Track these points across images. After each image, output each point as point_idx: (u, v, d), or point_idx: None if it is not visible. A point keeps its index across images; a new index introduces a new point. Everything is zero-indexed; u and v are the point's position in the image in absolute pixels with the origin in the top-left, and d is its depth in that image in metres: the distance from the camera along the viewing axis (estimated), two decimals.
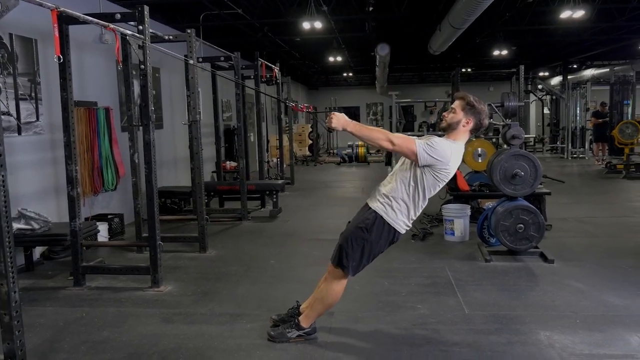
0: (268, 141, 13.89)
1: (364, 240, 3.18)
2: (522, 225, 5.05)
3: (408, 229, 3.27)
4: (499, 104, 5.47)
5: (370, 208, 3.24)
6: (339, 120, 3.11)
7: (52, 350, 3.39)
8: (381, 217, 3.17)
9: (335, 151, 19.01)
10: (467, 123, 3.16)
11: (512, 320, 3.72)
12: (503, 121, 5.43)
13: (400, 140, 3.06)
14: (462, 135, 3.20)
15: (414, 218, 3.25)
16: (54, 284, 4.79)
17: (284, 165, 11.59)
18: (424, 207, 3.24)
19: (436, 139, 3.11)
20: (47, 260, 5.52)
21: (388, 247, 3.29)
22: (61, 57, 3.72)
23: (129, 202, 6.55)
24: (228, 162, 10.55)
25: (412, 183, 3.14)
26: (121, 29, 4.12)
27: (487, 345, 3.33)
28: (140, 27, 4.29)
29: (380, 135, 3.06)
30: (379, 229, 3.17)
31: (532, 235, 5.07)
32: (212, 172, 10.10)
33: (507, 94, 5.54)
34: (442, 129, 3.25)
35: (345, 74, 21.77)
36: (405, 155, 3.15)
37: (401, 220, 3.19)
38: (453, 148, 3.12)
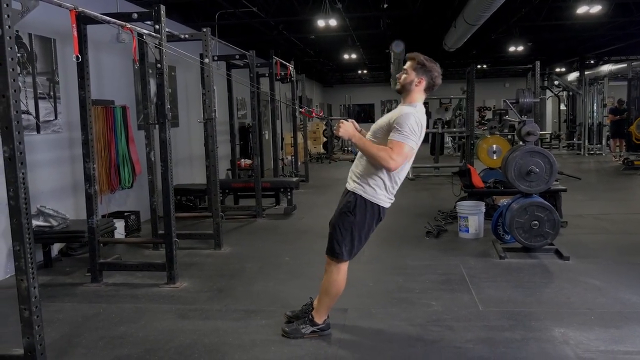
0: (283, 139, 13.94)
1: (351, 224, 3.23)
2: (537, 222, 5.02)
3: (392, 201, 3.30)
4: (514, 101, 5.44)
5: (350, 191, 3.28)
6: (347, 130, 3.18)
7: (70, 345, 3.46)
8: (361, 196, 3.21)
9: (350, 148, 19.01)
10: (420, 82, 3.21)
11: (527, 317, 3.71)
12: (518, 118, 5.40)
13: (400, 155, 3.05)
14: (418, 96, 3.24)
15: (395, 189, 3.29)
16: (72, 280, 4.87)
17: (299, 163, 11.63)
18: (402, 178, 3.28)
19: (400, 119, 3.09)
20: (65, 256, 5.62)
21: (377, 223, 3.31)
22: (79, 56, 3.78)
23: (145, 200, 6.62)
24: (243, 160, 10.61)
25: None
26: (138, 29, 4.17)
27: (501, 342, 3.33)
28: (157, 27, 4.34)
29: (383, 155, 3.05)
30: (362, 208, 3.21)
31: (547, 232, 5.05)
32: (227, 169, 10.16)
33: (522, 90, 5.50)
34: (397, 91, 3.30)
35: (359, 72, 21.75)
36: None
37: (382, 195, 3.23)
38: (416, 115, 3.14)
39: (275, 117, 9.44)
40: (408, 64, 3.27)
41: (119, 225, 6.19)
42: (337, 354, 3.25)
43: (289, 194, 7.87)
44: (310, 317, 3.47)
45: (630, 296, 4.06)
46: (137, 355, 3.27)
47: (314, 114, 3.53)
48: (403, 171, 3.26)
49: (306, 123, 13.16)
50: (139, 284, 4.68)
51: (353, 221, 3.24)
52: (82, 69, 4.41)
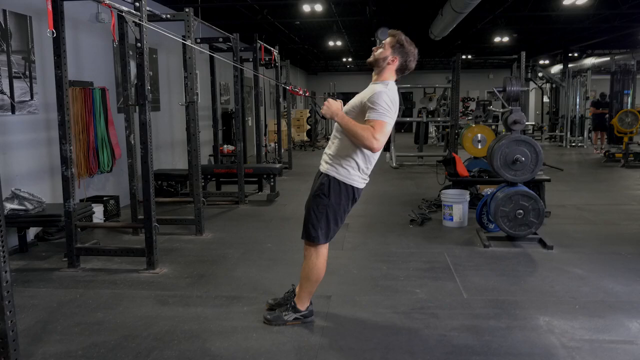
0: (266, 125, 13.80)
1: (325, 206, 3.17)
2: (521, 211, 5.00)
3: (366, 181, 3.25)
4: (501, 89, 5.39)
5: (322, 173, 3.22)
6: (330, 107, 3.10)
7: (45, 331, 3.34)
8: (334, 177, 3.16)
9: None
10: (393, 61, 3.14)
11: (511, 305, 3.68)
12: (505, 106, 5.36)
13: (382, 133, 2.97)
14: (389, 75, 3.17)
15: (369, 169, 3.24)
16: (47, 265, 4.73)
17: (282, 150, 11.51)
18: (376, 158, 3.21)
19: (374, 98, 3.02)
20: (42, 241, 5.47)
21: (352, 204, 3.26)
22: (54, 31, 3.63)
23: (124, 185, 6.48)
24: (225, 146, 10.46)
25: None
26: (117, 5, 4.02)
27: (486, 330, 3.29)
28: (137, 4, 4.20)
29: (366, 134, 2.96)
30: (335, 190, 3.16)
31: (531, 222, 5.03)
32: (210, 155, 10.03)
33: (509, 78, 5.46)
34: (369, 64, 3.22)
35: (344, 59, 21.61)
36: None
37: (355, 176, 3.17)
38: (390, 93, 3.08)
39: (258, 104, 9.29)
40: (388, 39, 3.19)
41: (98, 210, 6.04)
42: (320, 341, 3.19)
43: (272, 180, 7.77)
44: (293, 303, 3.41)
45: (613, 285, 4.06)
46: (115, 342, 3.17)
47: (300, 92, 3.43)
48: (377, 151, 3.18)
49: (290, 110, 13.04)
50: (117, 269, 4.56)
51: (327, 203, 3.17)
52: (59, 46, 4.25)
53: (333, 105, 3.09)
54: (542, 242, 5.12)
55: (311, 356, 3.01)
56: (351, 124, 3.04)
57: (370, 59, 3.20)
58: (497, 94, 5.40)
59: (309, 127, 17.94)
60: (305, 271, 3.35)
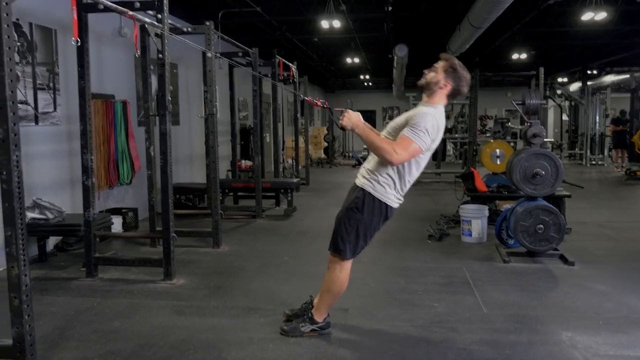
0: (284, 142, 13.86)
1: (357, 221, 3.13)
2: (542, 226, 4.92)
3: (401, 202, 3.20)
4: (521, 102, 5.35)
5: (358, 187, 3.18)
6: (351, 119, 3.07)
7: (62, 337, 3.35)
8: (370, 193, 3.12)
9: (350, 154, 18.94)
10: (445, 86, 3.11)
11: (532, 320, 3.61)
12: (525, 121, 5.32)
13: (405, 149, 2.95)
14: (440, 99, 3.14)
15: (404, 190, 3.19)
16: (66, 274, 4.76)
17: (299, 167, 11.53)
18: (412, 180, 3.17)
19: (418, 118, 3.01)
20: (61, 252, 5.51)
21: (383, 223, 3.21)
22: (79, 40, 3.69)
23: (143, 198, 6.53)
24: (243, 161, 10.52)
25: None
26: (139, 16, 4.09)
27: (507, 344, 3.23)
28: (159, 16, 4.26)
29: (387, 147, 2.95)
30: (369, 206, 3.11)
31: (552, 237, 4.95)
32: (227, 170, 10.07)
33: (529, 91, 5.42)
34: (420, 87, 3.19)
35: (362, 76, 21.68)
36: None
37: (391, 194, 3.13)
38: (436, 117, 3.06)
39: (276, 119, 9.34)
40: (440, 63, 3.16)
41: (117, 221, 6.07)
42: (337, 353, 3.15)
43: (290, 195, 7.77)
44: (310, 315, 3.37)
45: (637, 302, 3.97)
46: (131, 350, 3.16)
47: (319, 104, 3.44)
48: (414, 172, 3.15)
49: (307, 127, 13.09)
50: (134, 279, 4.57)
51: (360, 218, 3.13)
52: (82, 57, 4.33)
53: (353, 117, 3.08)
54: (563, 258, 5.04)
55: None
56: (372, 135, 3.02)
57: (422, 81, 3.18)
58: (517, 107, 5.35)
59: (326, 144, 17.97)
60: (328, 283, 3.31)
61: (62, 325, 3.55)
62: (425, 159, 3.16)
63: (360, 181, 3.20)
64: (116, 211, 6.42)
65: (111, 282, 4.51)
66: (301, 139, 12.11)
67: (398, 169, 3.10)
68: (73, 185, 5.78)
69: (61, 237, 5.50)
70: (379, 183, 3.12)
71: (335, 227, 3.23)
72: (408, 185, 3.19)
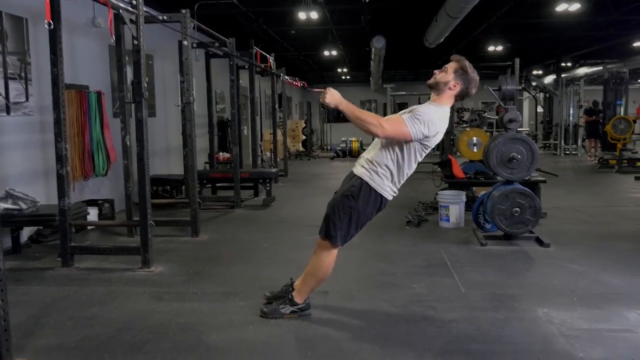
0: (262, 135, 13.81)
1: (351, 209, 3.13)
2: (518, 209, 4.99)
3: (395, 195, 3.22)
4: (497, 88, 5.41)
5: (355, 175, 3.18)
6: (333, 96, 3.05)
7: (37, 325, 3.30)
8: (367, 183, 3.12)
9: (329, 147, 18.96)
10: (455, 86, 3.12)
11: (510, 298, 3.66)
12: (501, 105, 5.38)
13: (392, 126, 2.98)
14: (447, 100, 3.16)
15: (400, 184, 3.21)
16: (41, 265, 4.68)
17: (278, 159, 11.51)
18: (410, 173, 3.19)
19: (422, 110, 3.04)
20: (35, 243, 5.41)
21: (375, 214, 3.23)
22: (51, 23, 3.62)
23: (119, 189, 6.45)
24: (221, 153, 10.46)
25: (397, 150, 3.09)
26: (114, 1, 4.03)
27: (484, 321, 3.27)
28: (134, 2, 4.21)
29: (372, 120, 2.97)
30: (365, 195, 3.12)
31: (528, 219, 5.01)
32: (205, 162, 10.00)
33: (505, 77, 5.49)
34: (429, 86, 3.20)
35: (339, 70, 21.69)
36: (398, 140, 3.06)
37: (387, 186, 3.14)
38: (441, 115, 3.08)
39: (254, 110, 9.30)
40: (451, 63, 3.16)
41: (92, 212, 6.00)
42: (317, 332, 3.15)
43: (268, 185, 7.75)
44: (290, 297, 3.37)
45: (611, 279, 4.05)
46: (108, 335, 3.13)
47: (298, 84, 3.42)
48: (413, 166, 3.17)
49: (285, 120, 13.03)
50: (112, 268, 4.52)
51: (354, 206, 3.13)
52: (55, 44, 4.24)
53: (335, 94, 3.07)
54: (538, 241, 5.11)
55: (309, 346, 2.98)
56: (356, 109, 3.02)
57: (431, 81, 3.18)
58: (493, 93, 5.41)
59: (304, 137, 17.96)
60: (313, 267, 3.31)
61: (37, 314, 3.49)
62: (424, 154, 3.16)
63: (358, 170, 3.19)
64: (92, 202, 6.32)
65: (88, 271, 4.44)
66: (279, 132, 12.08)
67: (398, 162, 3.10)
68: (47, 177, 5.68)
69: (35, 229, 5.40)
70: (377, 174, 3.12)
71: (327, 212, 3.21)
72: (404, 179, 3.20)
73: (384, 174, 3.12)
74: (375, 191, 3.12)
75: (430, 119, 3.01)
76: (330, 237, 3.18)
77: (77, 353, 2.92)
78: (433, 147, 3.19)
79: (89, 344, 3.02)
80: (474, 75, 3.15)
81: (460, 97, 3.18)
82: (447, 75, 3.12)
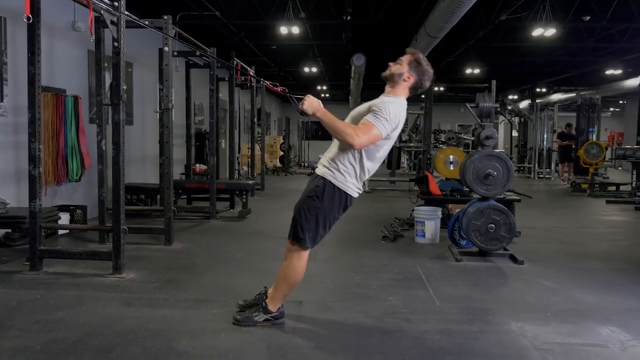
0: (239, 147, 13.74)
1: (317, 209, 3.12)
2: (493, 225, 5.03)
3: (360, 192, 3.22)
4: (474, 105, 5.49)
5: (318, 175, 3.18)
6: (312, 104, 3.05)
7: (2, 327, 3.19)
8: (330, 182, 3.12)
9: (306, 163, 18.98)
10: (408, 78, 3.17)
11: (484, 312, 3.67)
12: (478, 122, 5.45)
13: (367, 134, 2.97)
14: (402, 91, 3.20)
15: (364, 179, 3.22)
16: (8, 268, 4.55)
17: (255, 173, 11.45)
18: (372, 169, 3.20)
19: (381, 105, 3.06)
20: (3, 247, 5.26)
21: (342, 212, 3.22)
22: (30, 17, 3.56)
23: (93, 196, 6.33)
24: (198, 165, 10.37)
25: None
26: (96, 0, 3.99)
27: (459, 333, 3.26)
28: (116, 4, 4.17)
29: (348, 131, 2.96)
30: (329, 194, 3.11)
31: (502, 236, 5.05)
32: (181, 174, 9.88)
33: (482, 94, 5.57)
34: (384, 78, 3.24)
35: (319, 87, 21.82)
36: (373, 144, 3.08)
37: (351, 183, 3.14)
38: (398, 106, 3.12)
39: (233, 121, 9.27)
40: (406, 56, 3.21)
41: (64, 218, 5.86)
42: (290, 341, 3.11)
43: (244, 197, 7.69)
44: (264, 305, 3.32)
45: (583, 295, 4.09)
46: (76, 338, 3.04)
47: (278, 90, 3.41)
48: (375, 161, 3.19)
49: (264, 136, 13.00)
50: (82, 273, 4.41)
51: (319, 207, 3.11)
52: (33, 43, 4.17)
53: (314, 101, 3.07)
54: (512, 258, 5.15)
55: (282, 355, 2.93)
56: (334, 119, 3.01)
57: (386, 73, 3.21)
58: (470, 110, 5.48)
59: (282, 153, 17.95)
60: (285, 272, 3.27)
61: (2, 316, 3.38)
62: (386, 148, 3.18)
63: (320, 170, 3.19)
64: (64, 208, 6.19)
65: (57, 276, 4.33)
66: (257, 147, 12.05)
67: (360, 158, 3.11)
68: (19, 179, 5.56)
69: (4, 233, 5.26)
70: (339, 171, 3.12)
71: (294, 216, 3.19)
72: (367, 175, 3.20)
73: (346, 171, 3.12)
74: (339, 189, 3.12)
75: (392, 113, 3.04)
76: (299, 239, 3.16)
77: (42, 356, 2.82)
78: (394, 138, 3.18)
79: (56, 347, 2.92)
80: (427, 68, 3.21)
81: (414, 89, 3.22)
82: (402, 67, 3.17)
